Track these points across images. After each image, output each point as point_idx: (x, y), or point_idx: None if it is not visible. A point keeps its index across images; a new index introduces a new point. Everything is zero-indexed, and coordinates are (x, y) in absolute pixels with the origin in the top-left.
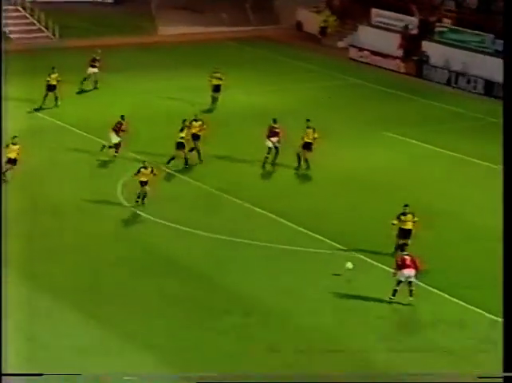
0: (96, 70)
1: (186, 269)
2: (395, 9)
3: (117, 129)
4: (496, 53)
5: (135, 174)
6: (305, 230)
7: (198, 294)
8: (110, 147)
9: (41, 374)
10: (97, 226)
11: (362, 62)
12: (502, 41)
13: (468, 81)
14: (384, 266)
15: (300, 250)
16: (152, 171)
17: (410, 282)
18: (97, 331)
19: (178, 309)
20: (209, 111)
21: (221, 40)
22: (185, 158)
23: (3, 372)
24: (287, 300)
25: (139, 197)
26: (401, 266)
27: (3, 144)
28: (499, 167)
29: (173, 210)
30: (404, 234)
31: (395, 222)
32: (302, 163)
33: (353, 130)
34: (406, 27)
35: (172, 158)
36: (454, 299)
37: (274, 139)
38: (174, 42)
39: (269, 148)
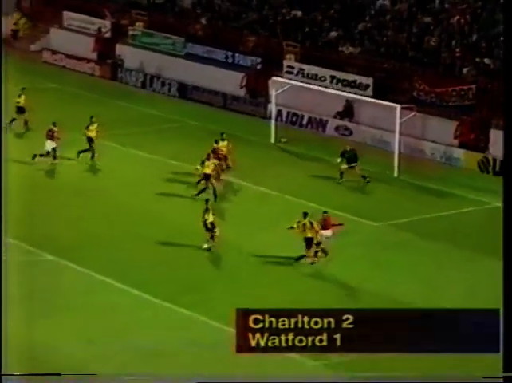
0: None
1: None
2: (87, 12)
3: (51, 136)
4: (187, 57)
5: None
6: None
7: None
8: (41, 155)
9: (41, 374)
10: None
11: (57, 66)
12: (192, 45)
13: (163, 84)
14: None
15: None
16: None
17: (319, 243)
18: None
19: None
20: None
21: None
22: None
23: (3, 372)
24: None
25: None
26: (323, 227)
27: None
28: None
29: None
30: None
31: (295, 226)
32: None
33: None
34: (99, 30)
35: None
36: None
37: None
38: None
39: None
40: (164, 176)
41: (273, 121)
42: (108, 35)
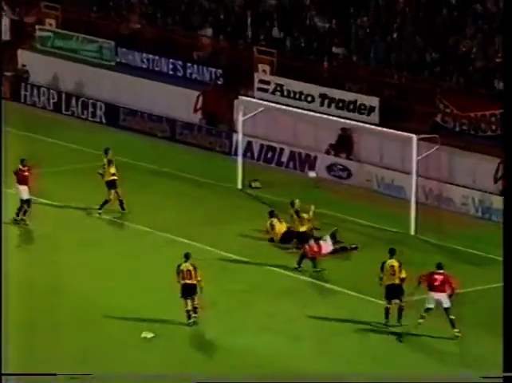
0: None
1: None
2: None
3: (24, 180)
4: (118, 67)
5: None
6: None
7: None
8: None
9: (41, 374)
10: None
11: None
12: (125, 50)
13: (85, 106)
14: None
15: None
16: None
17: (446, 309)
18: None
19: None
20: None
21: None
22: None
23: (3, 372)
24: None
25: None
26: (430, 287)
27: None
28: (124, 223)
29: None
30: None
31: (382, 276)
32: None
33: None
34: None
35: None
36: None
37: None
38: None
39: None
40: (82, 236)
41: (240, 158)
42: (6, 37)
